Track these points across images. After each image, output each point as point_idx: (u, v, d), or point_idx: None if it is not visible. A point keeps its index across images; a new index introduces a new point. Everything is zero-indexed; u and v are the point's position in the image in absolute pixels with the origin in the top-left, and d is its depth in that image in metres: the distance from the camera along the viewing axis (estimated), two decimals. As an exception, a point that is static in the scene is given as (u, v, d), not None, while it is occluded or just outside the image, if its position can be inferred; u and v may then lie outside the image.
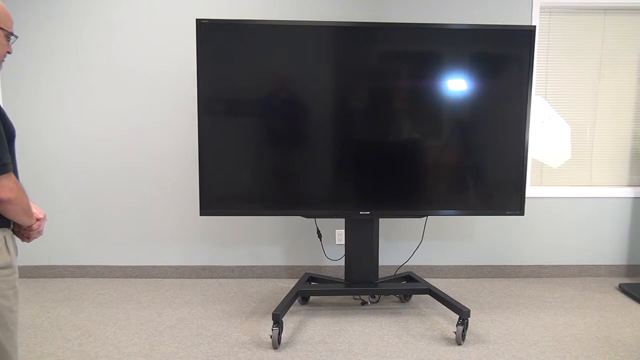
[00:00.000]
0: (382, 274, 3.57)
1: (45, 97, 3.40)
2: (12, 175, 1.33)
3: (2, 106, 1.62)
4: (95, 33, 3.35)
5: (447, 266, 3.61)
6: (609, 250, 3.63)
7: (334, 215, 2.77)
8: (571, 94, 3.51)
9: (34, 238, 1.51)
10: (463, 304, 2.74)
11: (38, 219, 1.48)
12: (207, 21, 2.58)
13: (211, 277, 3.58)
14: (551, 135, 3.55)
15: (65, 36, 3.35)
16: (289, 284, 3.48)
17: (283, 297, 3.12)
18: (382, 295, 3.19)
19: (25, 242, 1.53)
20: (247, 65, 2.62)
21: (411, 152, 2.72)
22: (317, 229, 3.26)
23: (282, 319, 2.51)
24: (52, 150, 3.45)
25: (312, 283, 3.07)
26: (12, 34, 1.41)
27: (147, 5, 3.34)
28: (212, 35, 2.59)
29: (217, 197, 2.69)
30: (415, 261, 3.61)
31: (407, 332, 2.65)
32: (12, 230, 1.45)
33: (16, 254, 1.46)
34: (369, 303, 3.08)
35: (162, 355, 2.38)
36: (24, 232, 1.48)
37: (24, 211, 1.38)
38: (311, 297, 3.15)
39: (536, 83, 3.48)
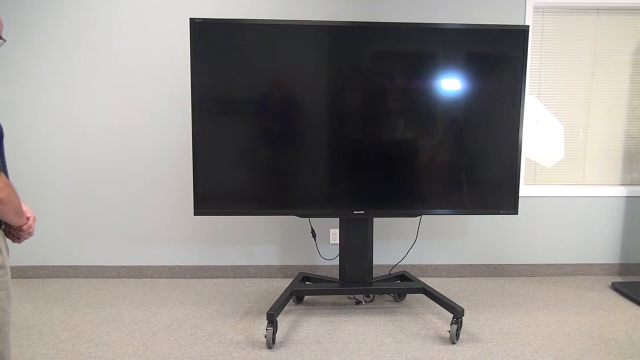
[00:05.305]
0: (376, 273, 3.58)
1: (41, 96, 3.38)
2: (2, 175, 1.31)
3: None
4: (93, 32, 3.34)
5: (441, 265, 3.62)
6: (602, 249, 3.65)
7: (329, 214, 2.77)
8: (564, 94, 3.53)
9: (25, 239, 1.50)
10: (457, 303, 2.75)
11: (27, 218, 1.47)
12: (201, 20, 2.57)
13: (205, 277, 3.58)
14: (544, 134, 3.57)
15: (63, 35, 3.33)
16: (284, 283, 3.47)
17: (277, 297, 3.11)
18: (376, 295, 3.20)
19: (16, 243, 1.52)
20: (241, 64, 2.61)
21: (406, 151, 2.73)
22: (312, 228, 3.26)
23: (277, 319, 2.50)
24: (45, 150, 3.43)
25: (307, 282, 3.07)
26: (0, 37, 1.39)
27: (145, 3, 3.32)
28: (206, 35, 2.58)
29: (211, 197, 2.68)
30: (409, 260, 3.62)
31: (401, 331, 2.66)
32: (3, 230, 1.44)
33: (8, 254, 1.45)
34: (363, 302, 3.09)
35: (157, 355, 2.37)
36: (14, 232, 1.47)
37: (15, 211, 1.37)
38: (305, 297, 3.15)
39: (529, 83, 3.50)
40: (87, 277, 3.55)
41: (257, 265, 3.58)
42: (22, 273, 3.53)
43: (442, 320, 2.80)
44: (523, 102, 2.72)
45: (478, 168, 2.76)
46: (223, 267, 3.57)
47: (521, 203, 3.57)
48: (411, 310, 2.97)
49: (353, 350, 2.43)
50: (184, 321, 2.78)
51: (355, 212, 2.75)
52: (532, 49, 3.46)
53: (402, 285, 2.91)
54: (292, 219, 3.55)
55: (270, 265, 3.59)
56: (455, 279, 3.59)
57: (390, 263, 3.61)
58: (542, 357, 2.37)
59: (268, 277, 3.59)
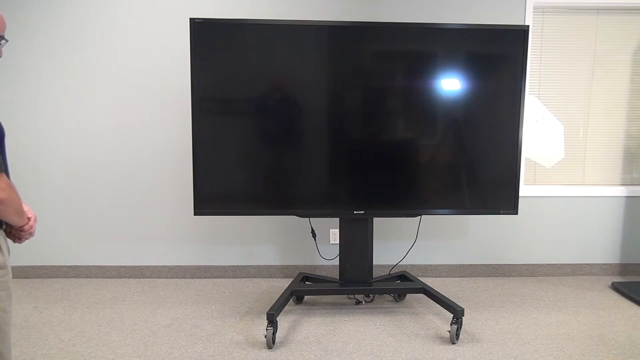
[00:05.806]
0: (376, 273, 3.58)
1: (41, 96, 3.38)
2: (3, 175, 1.32)
3: None
4: (93, 32, 3.33)
5: (441, 265, 3.62)
6: (602, 249, 3.65)
7: (328, 214, 2.77)
8: (564, 94, 3.53)
9: (26, 239, 1.50)
10: (457, 303, 2.75)
11: (28, 218, 1.47)
12: (201, 20, 2.57)
13: (205, 277, 3.58)
14: (544, 134, 3.57)
15: (63, 35, 3.33)
16: (284, 283, 3.48)
17: (277, 297, 3.11)
18: (376, 295, 3.20)
19: (16, 243, 1.52)
20: (241, 64, 2.61)
21: (406, 151, 2.73)
22: (312, 228, 3.26)
23: (277, 319, 2.50)
24: (45, 150, 3.43)
25: (307, 282, 3.07)
26: (2, 37, 1.39)
27: (145, 3, 3.32)
28: (206, 35, 2.58)
29: (211, 197, 2.68)
30: (409, 260, 3.62)
31: (401, 331, 2.66)
32: (4, 230, 1.44)
33: (9, 255, 1.45)
34: (363, 302, 3.09)
35: (156, 355, 2.37)
36: (15, 232, 1.47)
37: (16, 211, 1.37)
38: (305, 297, 3.15)
39: (529, 82, 3.50)
40: (87, 277, 3.55)
41: (257, 265, 3.58)
42: (22, 273, 3.53)
43: (442, 320, 2.80)
44: (523, 102, 2.72)
45: (478, 168, 2.76)
46: (223, 267, 3.57)
47: (521, 203, 3.57)
48: (411, 310, 2.97)
49: (353, 350, 2.43)
50: (184, 321, 2.78)
51: (355, 212, 2.75)
52: (532, 49, 3.46)
53: (402, 285, 2.91)
54: (292, 219, 3.55)
55: (270, 265, 3.59)
56: (455, 279, 3.59)
57: (390, 263, 3.61)
58: (542, 357, 2.37)
59: (268, 277, 3.59)
